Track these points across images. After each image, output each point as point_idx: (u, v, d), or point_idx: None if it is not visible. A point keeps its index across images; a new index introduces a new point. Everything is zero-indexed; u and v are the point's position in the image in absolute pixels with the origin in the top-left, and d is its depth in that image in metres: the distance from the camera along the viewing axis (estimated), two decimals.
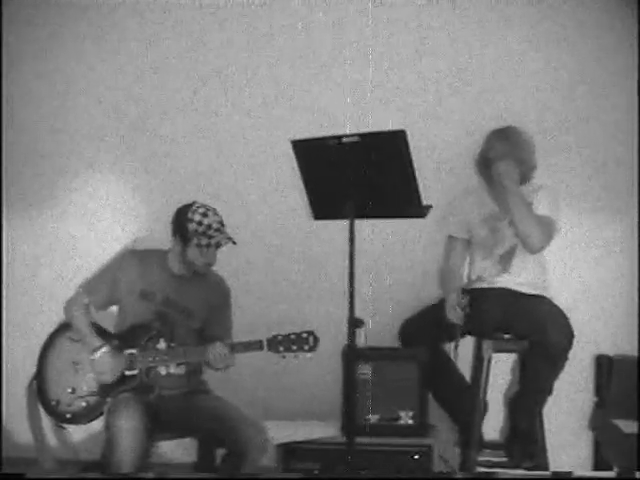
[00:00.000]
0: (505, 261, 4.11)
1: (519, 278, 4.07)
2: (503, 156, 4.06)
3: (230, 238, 3.63)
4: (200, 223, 3.59)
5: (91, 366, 3.60)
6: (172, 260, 3.72)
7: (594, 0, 4.37)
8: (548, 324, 3.89)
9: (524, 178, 4.10)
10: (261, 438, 3.50)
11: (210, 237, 3.59)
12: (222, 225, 3.64)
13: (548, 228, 4.00)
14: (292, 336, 3.50)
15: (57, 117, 4.67)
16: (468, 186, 4.31)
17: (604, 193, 4.35)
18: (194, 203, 3.66)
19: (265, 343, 3.50)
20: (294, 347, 3.49)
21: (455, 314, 4.03)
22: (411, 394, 4.02)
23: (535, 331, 3.89)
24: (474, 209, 4.21)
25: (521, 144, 4.12)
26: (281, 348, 3.49)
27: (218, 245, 3.62)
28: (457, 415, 4.18)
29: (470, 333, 4.14)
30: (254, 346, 3.52)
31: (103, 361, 3.58)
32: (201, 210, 3.62)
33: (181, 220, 3.63)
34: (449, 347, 4.16)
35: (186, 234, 3.61)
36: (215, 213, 3.64)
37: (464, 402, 4.11)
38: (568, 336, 3.91)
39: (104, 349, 3.59)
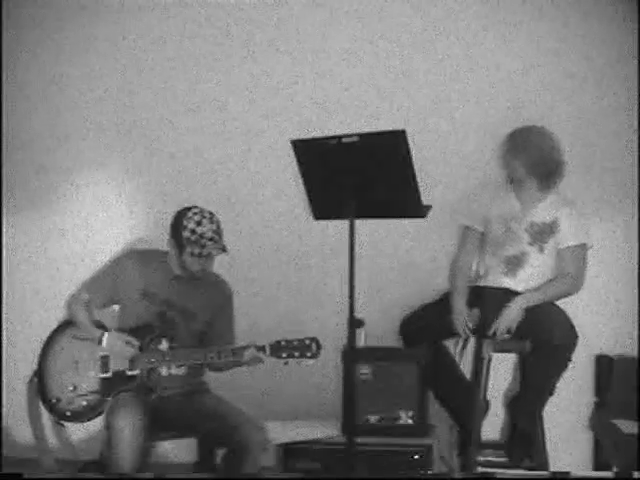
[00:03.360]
0: (513, 264, 4.08)
1: (525, 285, 4.06)
2: (508, 158, 4.07)
3: (223, 248, 3.59)
4: (193, 232, 3.56)
5: (102, 355, 3.59)
6: (172, 261, 3.71)
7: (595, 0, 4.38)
8: (553, 325, 3.89)
9: (543, 179, 4.07)
10: (261, 438, 3.49)
11: (202, 246, 3.56)
12: (217, 233, 3.59)
13: (579, 268, 4.03)
14: (295, 342, 3.49)
15: (57, 117, 4.67)
16: (488, 179, 4.30)
17: (604, 193, 4.35)
18: (191, 209, 3.62)
19: (268, 348, 3.50)
20: (296, 353, 3.48)
21: (462, 327, 4.04)
22: (411, 394, 4.02)
23: (540, 332, 3.89)
24: (493, 202, 4.17)
25: (530, 143, 4.06)
26: (284, 354, 3.48)
27: (209, 255, 3.59)
28: (458, 414, 4.18)
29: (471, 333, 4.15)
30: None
31: (113, 343, 3.58)
32: (196, 218, 3.58)
33: (176, 226, 3.61)
34: (454, 346, 4.15)
35: (180, 240, 3.59)
36: (211, 220, 3.59)
37: (465, 401, 4.11)
38: (572, 338, 3.91)
39: (107, 334, 3.60)
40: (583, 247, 4.06)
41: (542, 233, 4.06)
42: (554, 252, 4.07)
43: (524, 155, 4.05)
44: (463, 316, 4.05)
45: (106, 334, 3.60)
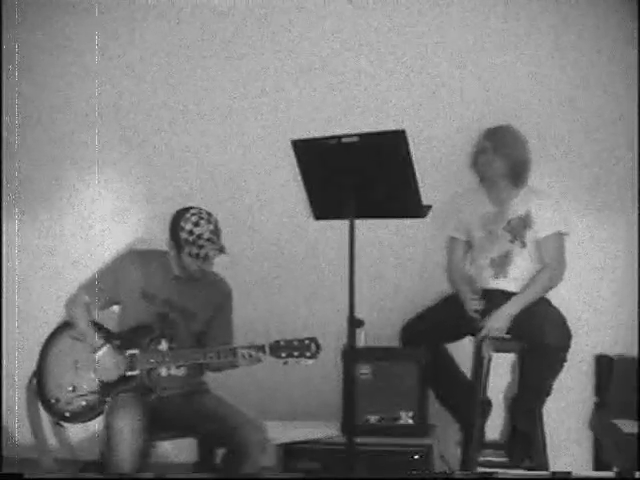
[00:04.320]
0: (499, 265, 4.11)
1: (516, 283, 4.07)
2: (490, 156, 4.09)
3: (221, 249, 3.59)
4: (191, 233, 3.56)
5: (94, 365, 3.59)
6: (171, 262, 3.71)
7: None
8: (546, 325, 3.90)
9: (517, 178, 4.10)
10: (261, 438, 3.49)
11: (200, 247, 3.56)
12: (215, 234, 3.58)
13: (557, 256, 4.06)
14: (294, 342, 3.49)
15: (56, 119, 4.67)
16: (466, 185, 4.31)
17: (604, 193, 4.35)
18: (189, 209, 3.61)
19: (267, 348, 3.50)
20: (296, 353, 3.48)
21: (473, 310, 4.07)
22: (411, 394, 4.02)
23: (533, 332, 3.90)
24: (472, 209, 4.21)
25: (510, 142, 4.11)
26: (283, 354, 3.48)
27: (207, 257, 3.59)
28: (461, 415, 4.18)
29: (470, 333, 4.15)
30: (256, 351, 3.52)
31: (106, 359, 3.58)
32: (194, 219, 3.58)
33: (174, 227, 3.61)
34: (474, 342, 4.14)
35: (179, 241, 3.59)
36: (209, 221, 3.58)
37: (465, 400, 4.11)
38: (566, 338, 3.91)
39: (106, 348, 3.59)
40: (559, 235, 4.09)
41: (518, 227, 4.10)
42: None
43: (506, 152, 4.09)
44: (473, 300, 4.07)
45: (105, 347, 3.59)
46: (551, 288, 4.07)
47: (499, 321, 3.97)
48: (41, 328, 3.79)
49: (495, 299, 4.03)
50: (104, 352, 3.58)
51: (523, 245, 4.09)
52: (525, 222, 4.09)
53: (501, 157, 4.09)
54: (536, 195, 4.12)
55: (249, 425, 3.50)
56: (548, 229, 4.07)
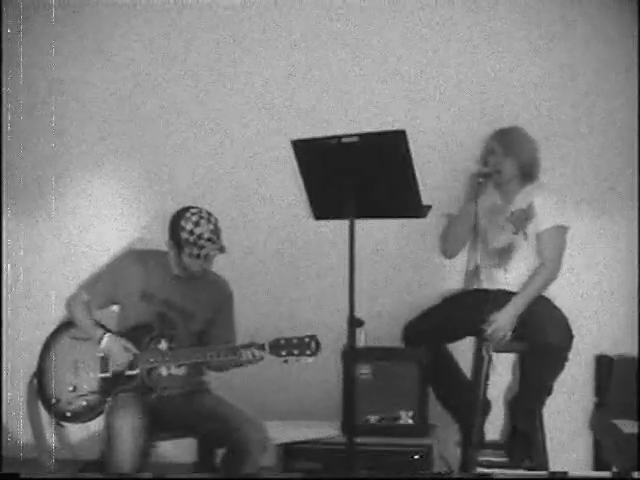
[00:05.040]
0: (501, 257, 4.12)
1: (519, 277, 4.08)
2: (500, 158, 4.09)
3: (221, 249, 3.59)
4: (191, 232, 3.56)
5: (101, 355, 3.61)
6: (171, 262, 3.71)
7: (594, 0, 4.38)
8: (547, 325, 3.90)
9: (527, 177, 4.12)
10: (261, 438, 3.50)
11: (201, 248, 3.56)
12: (215, 234, 3.59)
13: (555, 250, 4.05)
14: (294, 340, 3.48)
15: (57, 119, 4.66)
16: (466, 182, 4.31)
17: (604, 193, 4.35)
18: (189, 209, 3.62)
19: (267, 346, 3.50)
20: (296, 351, 3.47)
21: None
22: (411, 394, 4.02)
23: (535, 332, 3.91)
24: (477, 199, 4.17)
25: (520, 143, 4.12)
26: (283, 352, 3.48)
27: (207, 256, 3.60)
28: (460, 415, 4.18)
29: (472, 334, 4.15)
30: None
31: (113, 345, 3.59)
32: (194, 218, 3.58)
33: (174, 227, 3.61)
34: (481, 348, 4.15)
35: (179, 241, 3.59)
36: (209, 220, 3.59)
37: (467, 402, 4.11)
38: (567, 337, 3.92)
39: (107, 336, 3.60)
40: (559, 229, 4.08)
41: (520, 219, 4.11)
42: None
43: (516, 154, 4.09)
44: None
45: (106, 335, 3.60)
46: (552, 280, 4.06)
47: (504, 321, 3.97)
48: (41, 328, 3.80)
49: (497, 299, 4.03)
50: (108, 340, 3.59)
51: (525, 237, 4.10)
52: (527, 214, 4.09)
53: (511, 159, 4.10)
54: (540, 188, 4.12)
55: (249, 425, 3.50)
56: (549, 222, 4.07)
